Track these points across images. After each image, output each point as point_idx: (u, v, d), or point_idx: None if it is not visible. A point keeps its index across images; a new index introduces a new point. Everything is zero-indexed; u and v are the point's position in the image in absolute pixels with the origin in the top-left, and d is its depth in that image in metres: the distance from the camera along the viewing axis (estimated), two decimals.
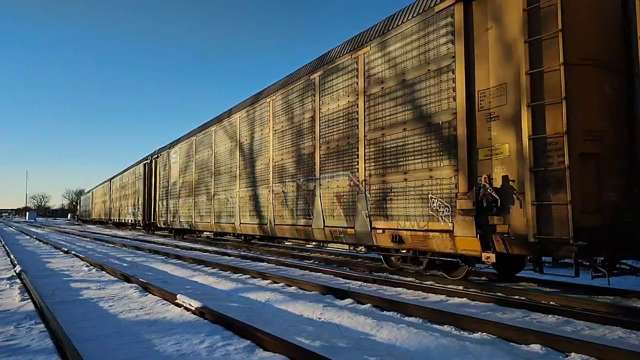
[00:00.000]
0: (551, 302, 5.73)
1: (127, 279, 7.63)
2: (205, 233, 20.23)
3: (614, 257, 5.33)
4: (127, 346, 3.97)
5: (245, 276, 8.43)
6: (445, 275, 7.62)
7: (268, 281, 7.76)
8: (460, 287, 6.82)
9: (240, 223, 12.98)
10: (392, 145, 7.53)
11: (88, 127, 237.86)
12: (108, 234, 27.07)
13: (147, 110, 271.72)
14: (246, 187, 12.69)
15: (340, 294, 6.18)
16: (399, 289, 6.87)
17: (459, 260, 6.86)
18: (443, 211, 6.52)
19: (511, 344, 4.06)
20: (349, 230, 8.48)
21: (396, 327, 4.36)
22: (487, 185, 5.81)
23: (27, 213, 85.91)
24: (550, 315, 5.08)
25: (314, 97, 9.72)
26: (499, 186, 5.76)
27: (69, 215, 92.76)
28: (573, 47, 5.24)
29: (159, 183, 21.86)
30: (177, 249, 14.88)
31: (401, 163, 7.32)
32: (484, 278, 8.00)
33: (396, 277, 8.11)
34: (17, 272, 8.36)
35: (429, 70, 6.90)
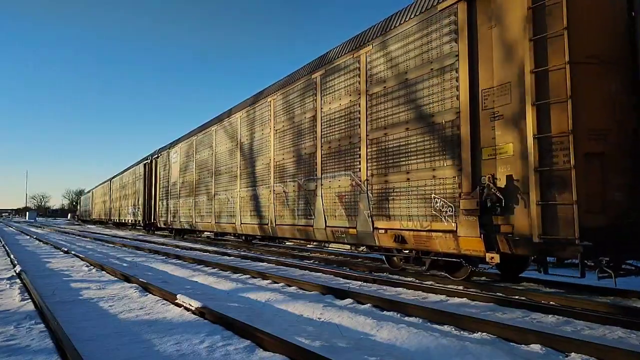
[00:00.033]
0: (551, 302, 5.71)
1: (127, 279, 7.60)
2: (205, 233, 20.21)
3: (618, 257, 5.29)
4: (127, 346, 3.95)
5: (245, 276, 8.40)
6: (448, 276, 7.58)
7: (268, 281, 7.72)
8: (460, 287, 6.79)
9: (241, 223, 12.94)
10: (394, 145, 7.48)
11: (88, 127, 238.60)
12: (108, 234, 27.05)
13: (147, 110, 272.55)
14: (247, 187, 12.64)
15: (340, 294, 6.15)
16: (399, 289, 6.84)
17: (462, 260, 6.81)
18: (446, 211, 6.47)
19: (511, 344, 4.05)
20: (350, 230, 8.43)
21: (396, 327, 4.34)
22: (491, 185, 5.77)
23: (27, 213, 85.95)
24: (550, 315, 5.06)
25: (315, 96, 9.68)
26: (503, 186, 5.71)
27: (69, 215, 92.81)
28: (578, 45, 5.19)
29: (159, 183, 21.82)
30: (177, 249, 14.85)
31: (403, 163, 7.27)
32: (484, 278, 7.96)
33: (396, 277, 8.08)
34: (17, 272, 8.33)
35: (431, 69, 6.85)
